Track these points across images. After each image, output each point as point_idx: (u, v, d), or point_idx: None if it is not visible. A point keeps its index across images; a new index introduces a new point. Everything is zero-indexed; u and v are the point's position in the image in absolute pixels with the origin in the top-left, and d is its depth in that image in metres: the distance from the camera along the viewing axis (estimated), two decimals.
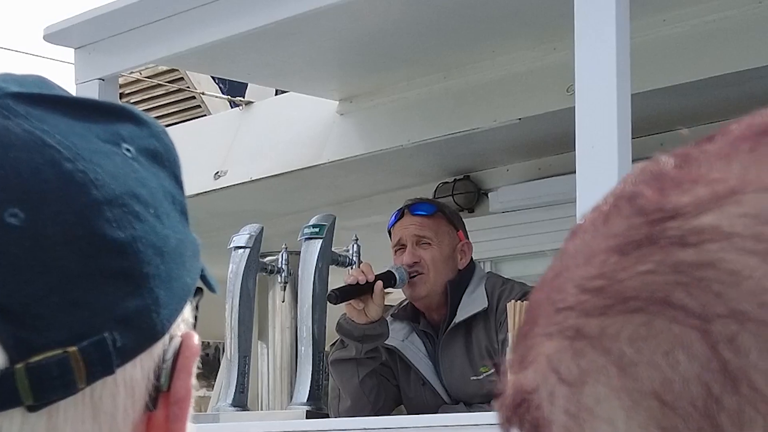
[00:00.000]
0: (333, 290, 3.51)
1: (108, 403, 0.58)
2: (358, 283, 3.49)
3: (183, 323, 0.62)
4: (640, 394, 0.44)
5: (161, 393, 0.60)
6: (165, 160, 0.64)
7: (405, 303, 3.75)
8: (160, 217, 0.61)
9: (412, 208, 3.67)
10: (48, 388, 0.56)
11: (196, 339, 0.62)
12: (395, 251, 3.66)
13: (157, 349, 0.60)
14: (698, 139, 0.48)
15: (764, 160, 0.45)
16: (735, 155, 0.45)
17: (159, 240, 0.60)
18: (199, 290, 0.65)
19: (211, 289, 0.66)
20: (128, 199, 0.59)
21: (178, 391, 0.61)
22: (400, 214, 3.68)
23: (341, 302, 3.53)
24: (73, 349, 0.56)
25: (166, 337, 0.60)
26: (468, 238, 3.70)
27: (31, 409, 0.56)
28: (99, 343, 0.57)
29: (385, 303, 3.62)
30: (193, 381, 0.62)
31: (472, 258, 3.69)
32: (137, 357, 0.59)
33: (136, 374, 0.59)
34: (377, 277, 3.53)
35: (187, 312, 0.63)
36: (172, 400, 0.61)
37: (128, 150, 0.61)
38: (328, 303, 3.57)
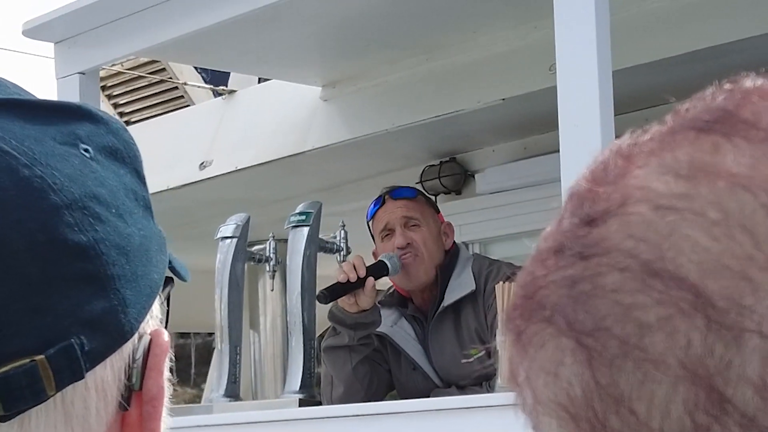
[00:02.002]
0: (322, 290, 3.49)
1: (80, 407, 0.58)
2: (348, 280, 3.48)
3: (152, 320, 0.62)
4: (555, 404, 0.44)
5: (134, 392, 0.60)
6: (125, 156, 0.63)
7: (392, 289, 3.75)
8: (122, 216, 0.60)
9: (393, 193, 3.66)
10: (17, 398, 0.56)
11: (165, 336, 0.62)
12: (382, 238, 3.64)
13: (127, 348, 0.60)
14: (660, 119, 0.47)
15: (666, 163, 0.44)
16: (655, 154, 0.45)
17: (122, 239, 0.60)
18: (169, 280, 0.64)
19: (182, 277, 0.65)
20: (88, 201, 0.59)
21: (151, 390, 0.61)
22: (381, 201, 3.66)
23: (331, 302, 3.52)
24: (40, 357, 0.56)
25: (135, 336, 0.60)
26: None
27: (2, 419, 0.56)
28: (66, 349, 0.57)
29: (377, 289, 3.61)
30: (166, 377, 0.62)
31: (454, 240, 3.69)
32: (107, 358, 0.59)
33: (106, 376, 0.59)
34: (368, 270, 3.51)
35: (156, 308, 0.62)
36: (145, 398, 0.60)
37: (86, 150, 0.61)
38: (316, 290, 3.56)
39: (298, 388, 3.53)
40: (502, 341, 3.29)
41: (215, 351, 4.07)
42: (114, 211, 0.60)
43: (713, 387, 0.40)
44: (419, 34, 4.03)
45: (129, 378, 0.60)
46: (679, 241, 0.42)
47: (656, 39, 3.68)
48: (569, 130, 2.68)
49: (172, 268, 0.65)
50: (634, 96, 3.78)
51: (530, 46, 3.90)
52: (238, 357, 3.69)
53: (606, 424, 0.42)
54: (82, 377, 0.57)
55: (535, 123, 4.26)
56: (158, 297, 0.62)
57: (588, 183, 0.46)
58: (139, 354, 0.60)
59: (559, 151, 2.75)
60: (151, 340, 0.61)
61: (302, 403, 3.47)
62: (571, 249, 0.44)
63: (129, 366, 0.60)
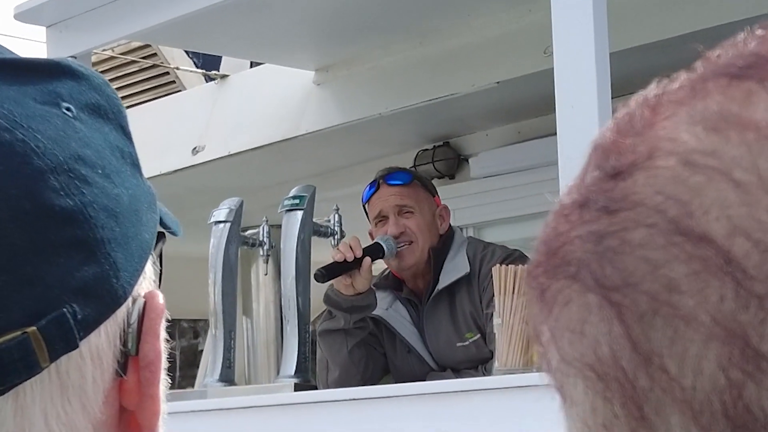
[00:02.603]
0: (319, 269, 3.50)
1: (75, 377, 0.57)
2: (345, 260, 3.48)
3: (145, 281, 0.60)
4: (581, 364, 0.43)
5: (130, 358, 0.59)
6: (108, 112, 0.61)
7: (386, 272, 3.74)
8: (109, 176, 0.58)
9: (387, 178, 3.64)
10: (11, 371, 0.54)
11: (160, 298, 0.60)
12: (375, 223, 3.64)
13: (121, 313, 0.58)
14: (689, 68, 0.46)
15: (696, 113, 0.42)
16: (684, 103, 0.43)
17: (111, 201, 0.58)
18: (161, 236, 0.63)
19: (173, 233, 0.64)
20: (73, 163, 0.57)
21: (147, 355, 0.59)
22: (375, 186, 3.65)
23: (328, 281, 3.52)
24: (32, 329, 0.54)
25: (129, 300, 0.58)
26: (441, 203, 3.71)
27: None
28: (59, 319, 0.55)
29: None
30: (163, 340, 0.60)
31: (450, 223, 3.68)
32: (101, 325, 0.57)
33: (101, 343, 0.57)
34: (365, 251, 3.51)
35: (149, 268, 0.61)
36: (142, 364, 0.59)
37: (68, 109, 0.59)
38: (310, 274, 3.55)
39: (293, 373, 3.52)
40: (498, 324, 3.29)
41: (209, 336, 4.06)
42: (101, 171, 0.58)
43: (748, 343, 0.39)
44: (413, 18, 4.01)
45: (124, 343, 0.58)
46: (707, 200, 0.41)
47: (653, 20, 3.67)
48: (566, 112, 2.67)
49: (163, 224, 0.63)
50: (632, 78, 3.75)
51: (524, 29, 3.89)
52: (232, 342, 3.69)
53: (635, 384, 0.41)
54: (77, 347, 0.56)
55: (529, 107, 4.25)
56: (150, 256, 0.61)
57: (613, 135, 0.44)
58: (134, 318, 0.59)
59: (553, 134, 2.74)
60: (145, 303, 0.59)
61: (297, 388, 3.47)
62: (597, 203, 0.43)
63: (124, 331, 0.58)
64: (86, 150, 0.58)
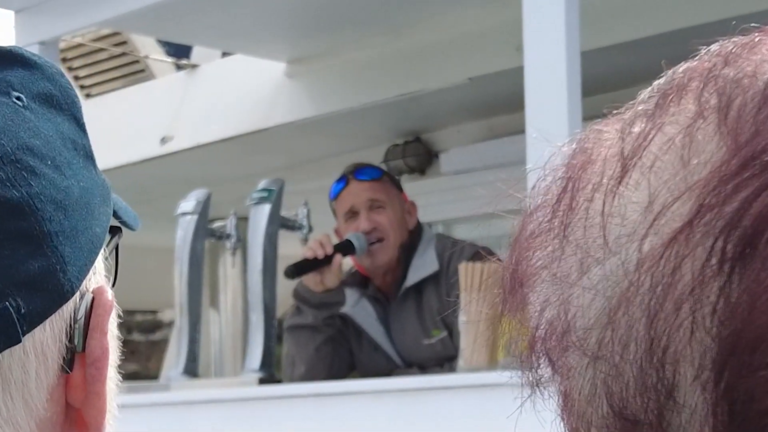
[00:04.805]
0: (289, 266, 3.48)
1: (18, 373, 0.56)
2: (316, 257, 3.46)
3: (95, 276, 0.59)
4: None
5: (76, 354, 0.58)
6: (62, 103, 0.59)
7: (353, 269, 3.72)
8: (59, 168, 0.57)
9: (357, 173, 3.61)
10: None
11: (109, 294, 0.59)
12: (345, 219, 3.60)
13: (68, 308, 0.57)
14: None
15: None
16: None
17: (59, 193, 0.56)
18: (116, 231, 0.61)
19: (130, 227, 0.62)
20: (21, 153, 0.56)
21: (94, 351, 0.58)
22: (345, 182, 3.61)
23: (298, 277, 3.50)
24: None
25: (77, 295, 0.57)
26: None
27: None
28: (1, 312, 0.53)
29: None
30: (113, 337, 0.59)
31: (418, 219, 3.67)
32: (46, 320, 0.56)
33: (46, 338, 0.56)
34: (336, 248, 3.49)
35: (100, 264, 0.59)
36: (88, 360, 0.58)
37: (18, 98, 0.57)
38: (277, 268, 3.53)
39: (258, 367, 3.50)
40: (463, 322, 3.27)
41: (174, 328, 4.03)
42: (50, 163, 0.57)
43: None
44: (386, 13, 3.99)
45: (70, 339, 0.57)
46: None
47: (625, 20, 3.66)
48: (536, 110, 2.65)
49: (119, 218, 0.61)
50: (603, 78, 3.76)
51: (497, 26, 3.87)
52: (197, 335, 3.66)
53: None
54: (19, 341, 0.54)
55: (501, 103, 4.24)
56: (102, 251, 0.59)
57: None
58: (81, 314, 0.57)
59: (524, 132, 2.73)
60: (93, 299, 0.58)
61: (262, 382, 3.44)
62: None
63: (70, 327, 0.57)
64: (35, 140, 0.56)
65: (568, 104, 2.62)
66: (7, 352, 0.55)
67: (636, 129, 0.41)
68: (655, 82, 0.43)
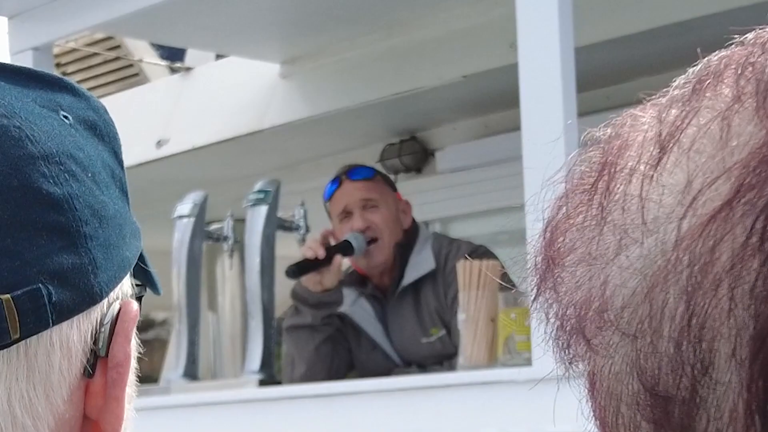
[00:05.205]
0: (290, 266, 3.49)
1: (43, 362, 0.56)
2: (316, 257, 3.47)
3: (122, 295, 0.60)
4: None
5: (99, 359, 0.59)
6: (104, 134, 0.62)
7: (350, 268, 3.72)
8: (98, 183, 0.59)
9: (350, 173, 3.62)
10: None
11: (135, 305, 0.61)
12: (340, 220, 3.61)
13: (95, 313, 0.58)
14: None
15: None
16: None
17: (96, 203, 0.59)
18: (142, 289, 0.63)
19: (155, 290, 0.65)
20: (65, 158, 0.58)
21: (116, 356, 0.59)
22: (338, 183, 3.62)
23: (299, 277, 3.52)
24: (6, 296, 0.55)
25: (104, 303, 0.59)
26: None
27: None
28: (33, 293, 0.55)
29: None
30: (133, 346, 0.61)
31: (413, 218, 3.67)
32: (74, 317, 0.57)
33: (72, 335, 0.58)
34: (335, 248, 3.50)
35: (127, 285, 0.61)
36: (110, 364, 0.59)
37: (66, 117, 0.60)
38: (275, 269, 3.53)
39: (257, 368, 3.50)
40: (462, 320, 3.27)
41: (173, 331, 4.03)
42: (90, 175, 0.59)
43: None
44: (379, 11, 3.98)
45: (95, 342, 0.59)
46: None
47: (619, 16, 3.66)
48: (531, 106, 2.65)
49: (149, 278, 0.63)
50: (597, 73, 3.76)
51: (491, 23, 3.87)
52: (196, 337, 3.66)
53: None
54: (49, 325, 0.56)
55: (496, 100, 4.24)
56: (129, 276, 0.61)
57: None
58: (107, 320, 0.59)
59: (519, 129, 2.73)
60: (120, 309, 0.60)
61: (262, 383, 3.44)
62: None
63: (96, 330, 0.59)
64: (79, 152, 0.59)
65: (563, 100, 2.62)
66: (34, 338, 0.56)
67: (673, 113, 0.41)
68: (690, 69, 0.43)
